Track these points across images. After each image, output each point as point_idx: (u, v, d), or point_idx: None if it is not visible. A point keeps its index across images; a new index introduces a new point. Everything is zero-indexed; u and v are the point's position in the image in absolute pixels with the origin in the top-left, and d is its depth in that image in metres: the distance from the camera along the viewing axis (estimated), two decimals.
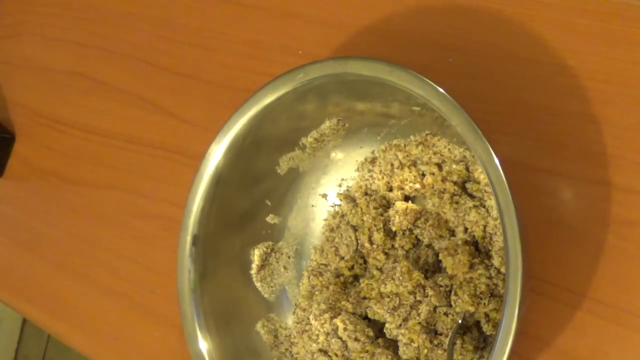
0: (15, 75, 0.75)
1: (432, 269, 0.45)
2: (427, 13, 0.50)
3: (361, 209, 0.48)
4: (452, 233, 0.45)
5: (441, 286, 0.43)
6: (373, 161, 0.49)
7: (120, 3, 0.68)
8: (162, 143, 0.61)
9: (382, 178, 0.48)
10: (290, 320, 0.50)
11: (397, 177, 0.47)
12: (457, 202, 0.44)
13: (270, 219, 0.51)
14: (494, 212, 0.43)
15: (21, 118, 0.73)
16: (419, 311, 0.43)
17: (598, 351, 0.41)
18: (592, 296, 0.41)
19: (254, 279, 0.51)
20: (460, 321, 0.42)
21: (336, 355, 0.46)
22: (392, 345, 0.45)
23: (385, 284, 0.44)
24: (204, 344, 0.46)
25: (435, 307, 0.43)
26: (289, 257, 0.52)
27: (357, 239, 0.48)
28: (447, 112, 0.38)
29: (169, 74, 0.62)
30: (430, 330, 0.43)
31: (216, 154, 0.47)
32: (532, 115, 0.45)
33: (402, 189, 0.47)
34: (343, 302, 0.46)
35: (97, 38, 0.68)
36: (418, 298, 0.43)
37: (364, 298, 0.46)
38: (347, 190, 0.50)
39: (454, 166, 0.45)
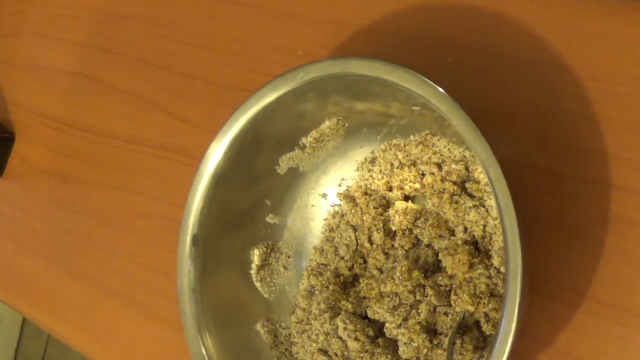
0: (15, 75, 0.75)
1: (432, 269, 0.45)
2: (427, 13, 0.50)
3: (361, 209, 0.48)
4: (452, 233, 0.45)
5: (441, 286, 0.43)
6: (373, 161, 0.49)
7: (121, 3, 0.68)
8: (162, 143, 0.61)
9: (382, 178, 0.48)
10: (290, 320, 0.50)
11: (397, 177, 0.47)
12: (457, 202, 0.44)
13: (270, 219, 0.51)
14: (494, 212, 0.43)
15: (21, 118, 0.73)
16: (419, 311, 0.43)
17: (598, 351, 0.41)
18: (592, 296, 0.41)
19: (254, 279, 0.51)
20: (460, 321, 0.42)
21: (336, 355, 0.46)
22: (392, 345, 0.45)
23: (385, 284, 0.44)
24: (204, 344, 0.46)
25: (435, 307, 0.43)
26: (289, 257, 0.52)
27: (357, 239, 0.48)
28: (447, 112, 0.38)
29: (169, 74, 0.62)
30: (430, 330, 0.43)
31: (216, 154, 0.47)
32: (532, 115, 0.45)
33: (402, 189, 0.47)
34: (343, 302, 0.46)
35: (97, 38, 0.68)
36: (418, 298, 0.43)
37: (364, 298, 0.46)
38: (347, 190, 0.50)
39: (453, 166, 0.45)
